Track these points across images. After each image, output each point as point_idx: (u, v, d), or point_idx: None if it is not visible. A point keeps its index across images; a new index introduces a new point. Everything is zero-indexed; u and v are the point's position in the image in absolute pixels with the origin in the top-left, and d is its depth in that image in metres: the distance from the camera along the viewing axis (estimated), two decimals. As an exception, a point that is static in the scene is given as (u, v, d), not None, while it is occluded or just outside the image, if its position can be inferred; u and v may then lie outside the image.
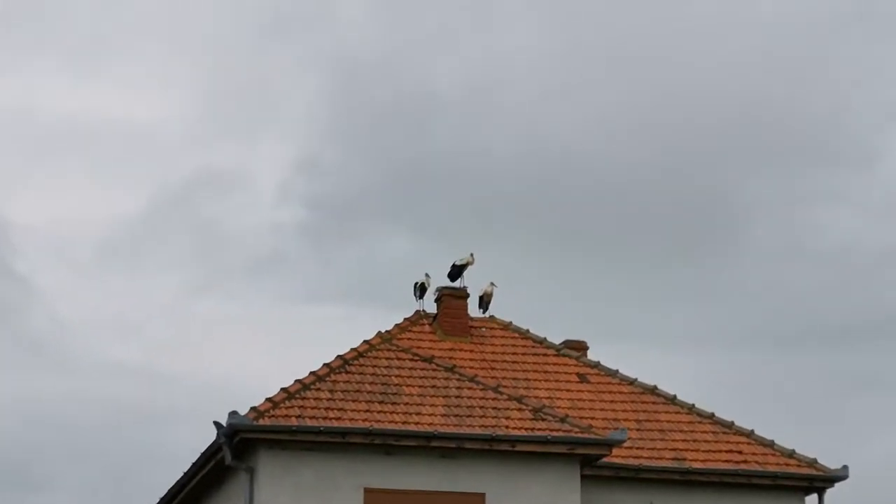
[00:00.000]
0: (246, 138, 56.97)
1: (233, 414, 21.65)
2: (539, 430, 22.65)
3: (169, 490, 25.30)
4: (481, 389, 23.71)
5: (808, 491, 24.87)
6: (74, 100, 57.24)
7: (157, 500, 25.85)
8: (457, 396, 23.42)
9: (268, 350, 52.29)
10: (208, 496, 24.25)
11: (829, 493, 24.91)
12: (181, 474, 24.41)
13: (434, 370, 24.17)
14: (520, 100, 53.48)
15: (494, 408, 23.17)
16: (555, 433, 22.58)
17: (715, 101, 52.47)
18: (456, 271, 27.76)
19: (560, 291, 47.96)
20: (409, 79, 54.34)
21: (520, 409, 23.20)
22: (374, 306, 49.97)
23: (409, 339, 26.24)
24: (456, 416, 22.80)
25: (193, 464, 23.71)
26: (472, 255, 27.85)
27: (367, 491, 21.99)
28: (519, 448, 22.44)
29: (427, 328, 27.26)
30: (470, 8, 55.06)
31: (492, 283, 27.91)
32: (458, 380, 23.97)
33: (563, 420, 23.01)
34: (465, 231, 47.41)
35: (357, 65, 55.00)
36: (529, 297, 41.76)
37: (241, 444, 21.90)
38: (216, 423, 21.93)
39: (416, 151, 52.90)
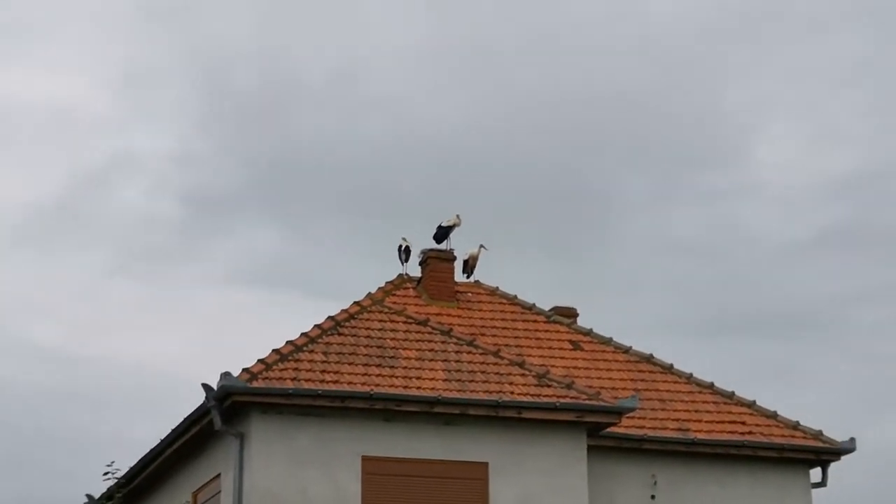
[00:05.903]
0: (129, 128, 55.93)
1: (225, 375, 20.24)
2: (546, 396, 21.46)
3: (141, 459, 23.81)
4: (481, 354, 22.44)
5: (812, 464, 23.93)
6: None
7: (128, 469, 24.24)
8: (456, 361, 22.13)
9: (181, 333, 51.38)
10: (189, 464, 22.77)
11: (834, 467, 24.02)
12: (158, 441, 22.95)
13: (430, 333, 22.88)
14: (387, 91, 52.80)
15: (497, 373, 21.94)
16: (562, 400, 21.41)
17: (592, 95, 51.88)
18: (442, 233, 26.45)
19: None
20: (276, 70, 53.57)
21: (523, 375, 21.98)
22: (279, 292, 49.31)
23: (393, 303, 24.90)
24: (458, 381, 21.53)
25: (173, 430, 22.20)
26: (457, 216, 26.55)
27: (366, 459, 20.69)
28: (525, 415, 21.23)
29: (412, 292, 25.98)
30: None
31: (481, 246, 26.63)
32: (455, 343, 22.69)
33: (569, 386, 21.83)
34: (330, 224, 46.92)
35: (226, 57, 54.23)
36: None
37: (231, 408, 20.51)
38: (205, 386, 20.48)
39: (283, 144, 52.45)
